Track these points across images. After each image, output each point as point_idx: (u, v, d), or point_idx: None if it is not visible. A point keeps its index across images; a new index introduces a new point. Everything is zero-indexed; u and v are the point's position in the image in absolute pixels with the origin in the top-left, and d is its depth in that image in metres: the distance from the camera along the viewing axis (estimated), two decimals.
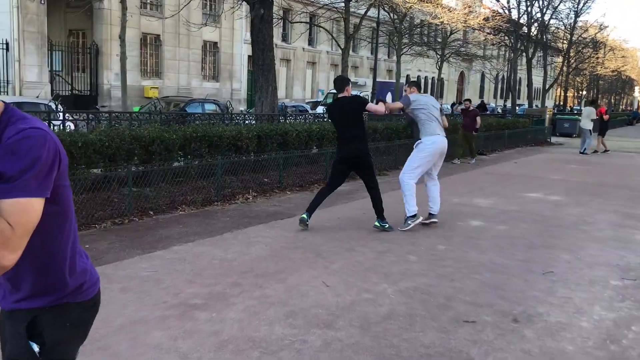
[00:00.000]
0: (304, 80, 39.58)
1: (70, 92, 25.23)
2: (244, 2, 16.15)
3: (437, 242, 6.59)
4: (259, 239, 6.28)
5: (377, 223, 7.05)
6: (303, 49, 38.63)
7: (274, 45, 36.12)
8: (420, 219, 7.10)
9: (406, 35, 26.21)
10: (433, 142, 7.18)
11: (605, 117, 20.45)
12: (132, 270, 4.99)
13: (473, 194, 9.89)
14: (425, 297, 4.69)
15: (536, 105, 44.72)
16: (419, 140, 7.28)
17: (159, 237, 6.11)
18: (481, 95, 66.51)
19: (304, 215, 6.82)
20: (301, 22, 20.86)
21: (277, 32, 35.61)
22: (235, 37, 32.50)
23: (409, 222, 7.03)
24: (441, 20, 24.17)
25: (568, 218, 8.23)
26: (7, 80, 22.32)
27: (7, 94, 21.45)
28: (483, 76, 61.56)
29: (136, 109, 19.87)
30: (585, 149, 20.19)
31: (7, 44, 22.12)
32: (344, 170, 7.12)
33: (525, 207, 8.97)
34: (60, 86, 25.51)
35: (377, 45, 23.51)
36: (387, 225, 7.00)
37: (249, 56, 34.38)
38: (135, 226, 6.54)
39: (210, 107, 17.64)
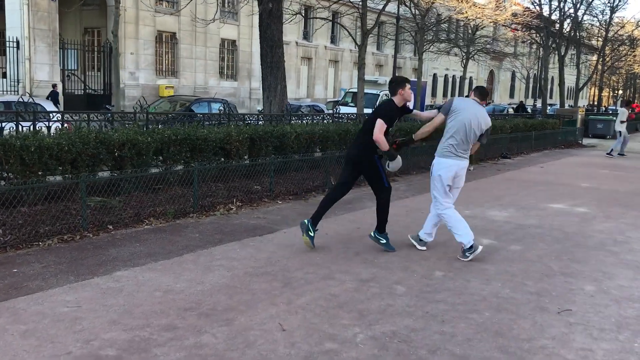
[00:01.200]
0: (326, 79, 38.67)
1: (83, 91, 24.78)
2: None
3: (434, 266, 5.59)
4: (223, 261, 5.37)
5: (372, 234, 6.12)
6: (325, 47, 37.74)
7: (295, 43, 35.64)
8: (480, 249, 5.91)
9: (429, 32, 25.02)
10: (446, 167, 5.87)
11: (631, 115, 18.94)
12: (51, 305, 4.13)
13: (488, 205, 8.82)
14: (403, 348, 3.72)
15: (570, 105, 42.99)
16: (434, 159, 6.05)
17: (105, 259, 5.25)
18: (512, 95, 64.68)
19: (308, 236, 5.89)
20: (320, 18, 19.93)
21: (298, 29, 34.80)
22: (255, 35, 31.53)
23: (467, 254, 5.89)
24: (465, 15, 22.95)
25: (595, 236, 7.12)
26: (18, 79, 21.91)
27: (17, 93, 21.01)
28: (514, 75, 59.79)
29: (151, 109, 19.09)
30: (612, 149, 18.95)
31: (17, 42, 21.71)
32: (350, 173, 6.18)
33: (547, 221, 7.88)
34: (75, 85, 25.12)
35: (397, 42, 22.41)
36: (384, 242, 6.05)
37: None
38: (85, 244, 5.69)
39: (218, 107, 16.81)
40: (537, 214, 8.35)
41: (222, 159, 8.81)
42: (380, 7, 22.37)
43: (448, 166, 5.85)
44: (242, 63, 31.58)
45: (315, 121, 14.27)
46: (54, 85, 21.70)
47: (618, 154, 18.70)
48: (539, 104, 40.25)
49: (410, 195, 9.52)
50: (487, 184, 11.21)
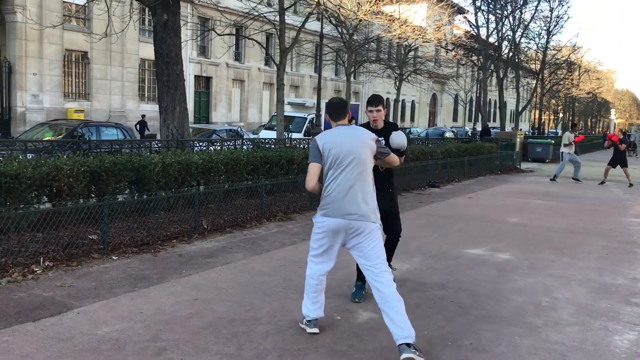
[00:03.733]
0: (260, 103, 36.92)
1: None
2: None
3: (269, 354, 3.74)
4: None
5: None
6: (259, 69, 36.06)
7: (226, 65, 33.79)
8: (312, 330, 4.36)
9: (359, 52, 23.58)
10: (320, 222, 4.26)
11: (622, 146, 17.90)
12: None
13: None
14: None
15: (512, 128, 42.46)
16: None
17: None
18: (455, 119, 64.50)
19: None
20: (230, 34, 18.24)
21: (229, 51, 33.06)
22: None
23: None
24: (394, 34, 21.62)
25: (513, 299, 5.43)
26: None
27: None
28: (457, 99, 59.57)
29: (48, 135, 16.69)
30: (555, 175, 17.90)
31: None
32: None
33: (455, 276, 6.17)
34: None
35: (321, 61, 20.83)
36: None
37: (195, 76, 31.80)
38: None
39: (110, 133, 14.73)
40: (446, 265, 6.65)
41: (46, 200, 6.82)
42: (298, 23, 20.88)
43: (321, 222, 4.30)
44: None
45: (228, 147, 12.47)
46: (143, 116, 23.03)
47: (573, 178, 17.85)
48: (479, 127, 39.46)
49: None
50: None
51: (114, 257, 6.28)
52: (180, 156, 8.73)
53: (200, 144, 12.40)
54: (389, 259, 5.61)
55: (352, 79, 43.90)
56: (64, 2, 23.97)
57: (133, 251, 6.57)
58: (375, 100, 5.15)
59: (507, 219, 10.17)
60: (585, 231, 9.26)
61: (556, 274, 6.43)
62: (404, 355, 3.76)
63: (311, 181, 4.19)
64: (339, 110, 4.40)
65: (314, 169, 4.20)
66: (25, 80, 22.88)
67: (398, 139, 5.04)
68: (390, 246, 5.53)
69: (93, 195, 7.49)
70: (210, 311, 4.72)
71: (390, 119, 29.58)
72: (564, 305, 5.29)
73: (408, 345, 3.82)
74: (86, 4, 21.78)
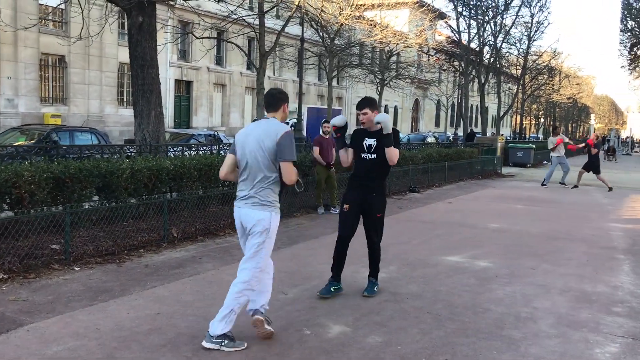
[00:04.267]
0: (243, 107, 36.58)
1: None
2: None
3: None
4: None
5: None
6: (241, 73, 35.75)
7: (207, 69, 33.43)
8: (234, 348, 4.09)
9: (340, 56, 23.39)
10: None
11: (594, 150, 17.88)
12: None
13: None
14: None
15: (493, 133, 42.57)
16: None
17: None
18: (437, 124, 64.63)
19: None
20: (210, 37, 17.94)
21: (210, 55, 32.74)
22: (160, 59, 29.22)
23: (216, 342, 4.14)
24: (376, 38, 21.46)
25: (491, 310, 5.22)
26: None
27: None
28: (439, 104, 59.69)
29: (20, 140, 16.21)
30: (544, 180, 17.94)
31: None
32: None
33: (433, 285, 5.96)
34: None
35: (302, 66, 20.60)
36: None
37: (176, 80, 31.42)
38: None
39: (84, 138, 14.36)
40: (423, 273, 6.43)
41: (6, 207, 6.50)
42: (288, 29, 20.66)
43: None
44: None
45: (204, 152, 12.20)
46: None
47: (559, 183, 17.80)
48: (460, 132, 39.51)
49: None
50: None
51: (75, 268, 5.98)
52: (150, 161, 8.43)
53: (175, 149, 12.04)
54: (372, 274, 5.62)
55: (335, 83, 44.00)
56: (40, 4, 23.49)
57: (97, 261, 6.27)
58: (360, 104, 5.34)
59: (487, 224, 10.00)
60: (566, 237, 9.12)
61: (536, 282, 6.24)
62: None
63: (221, 170, 4.37)
64: (269, 100, 4.31)
65: (228, 159, 4.35)
66: (0, 84, 22.36)
67: (378, 116, 5.28)
68: (370, 258, 5.57)
69: (59, 203, 7.18)
70: (171, 327, 4.45)
71: None
72: (543, 316, 5.10)
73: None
74: (60, 5, 21.36)
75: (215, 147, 13.96)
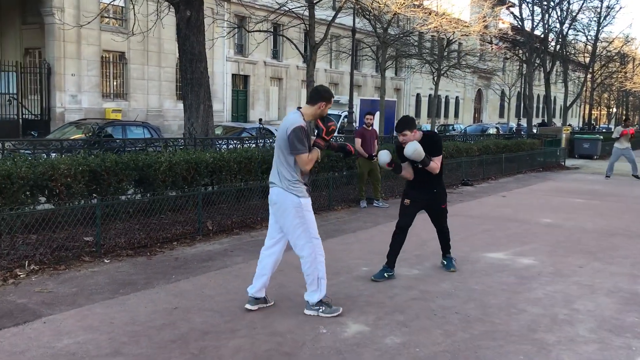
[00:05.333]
0: (299, 100, 36.60)
1: (15, 116, 22.58)
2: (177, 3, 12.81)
3: None
4: None
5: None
6: (297, 66, 35.79)
7: (264, 63, 33.63)
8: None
9: (393, 47, 22.89)
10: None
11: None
12: None
13: (402, 257, 6.54)
14: None
15: (553, 124, 40.84)
16: None
17: None
18: (501, 115, 62.72)
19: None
20: (263, 31, 17.91)
21: (267, 49, 32.96)
22: (216, 53, 29.68)
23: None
24: (429, 27, 20.87)
25: (527, 311, 4.87)
26: None
27: None
28: (503, 94, 57.93)
29: (78, 133, 16.72)
30: (607, 172, 17.09)
31: None
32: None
33: (467, 283, 5.64)
34: (15, 110, 22.89)
35: (354, 56, 20.25)
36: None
37: (233, 74, 31.76)
38: None
39: (137, 132, 14.67)
40: (460, 271, 6.11)
41: (44, 200, 6.63)
42: (340, 19, 20.41)
43: None
44: None
45: (249, 145, 12.16)
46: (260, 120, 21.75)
47: (632, 175, 16.95)
48: (524, 123, 38.11)
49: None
50: (421, 223, 8.94)
51: (105, 261, 6.03)
52: (190, 154, 8.45)
53: (221, 142, 12.06)
54: (447, 251, 6.23)
55: (393, 74, 43.35)
56: (101, 2, 24.21)
57: (128, 254, 6.30)
58: (399, 126, 5.57)
59: (539, 219, 9.50)
60: (625, 233, 8.52)
61: (582, 282, 5.81)
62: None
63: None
64: (311, 93, 4.64)
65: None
66: (64, 81, 23.23)
67: (407, 149, 5.44)
68: (440, 239, 6.20)
69: (95, 195, 7.28)
70: (185, 322, 4.37)
71: (427, 116, 28.59)
72: (583, 319, 4.71)
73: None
74: (116, 1, 21.89)
75: (262, 140, 13.93)
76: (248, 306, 4.65)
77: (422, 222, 6.54)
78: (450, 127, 39.41)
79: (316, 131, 4.63)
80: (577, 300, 5.19)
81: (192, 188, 8.19)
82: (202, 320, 4.43)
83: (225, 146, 11.92)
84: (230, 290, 5.16)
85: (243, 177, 9.16)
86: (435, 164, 5.56)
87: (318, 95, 4.55)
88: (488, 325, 4.50)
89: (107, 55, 25.21)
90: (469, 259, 6.64)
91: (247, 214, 8.30)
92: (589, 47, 40.87)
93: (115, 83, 25.78)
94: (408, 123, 5.59)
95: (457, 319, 4.62)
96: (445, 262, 6.17)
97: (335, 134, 19.98)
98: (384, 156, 5.66)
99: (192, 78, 11.67)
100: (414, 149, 5.41)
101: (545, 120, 39.22)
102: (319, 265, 4.55)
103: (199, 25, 11.74)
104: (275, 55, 34.74)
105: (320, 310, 4.53)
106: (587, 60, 41.67)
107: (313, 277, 4.53)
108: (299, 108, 4.63)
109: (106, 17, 24.73)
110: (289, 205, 4.50)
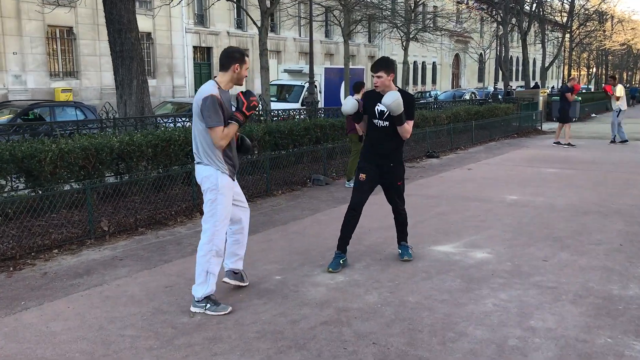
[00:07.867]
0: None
1: None
2: None
3: None
4: None
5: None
6: (294, 39, 34.12)
7: (227, 34, 31.96)
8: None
9: (361, 10, 21.44)
10: None
11: (570, 97, 15.45)
12: None
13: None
14: None
15: (538, 86, 39.69)
16: None
17: None
18: (480, 79, 61.49)
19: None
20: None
21: (229, 18, 31.36)
22: (174, 25, 28.05)
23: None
24: None
25: (467, 335, 3.71)
26: None
27: None
28: (481, 58, 56.61)
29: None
30: (614, 136, 15.98)
31: None
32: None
33: (402, 292, 4.47)
34: None
35: (312, 22, 18.71)
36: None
37: (194, 47, 30.13)
38: None
39: (69, 114, 13.26)
40: (395, 274, 4.94)
41: None
42: None
43: None
44: (161, 58, 27.90)
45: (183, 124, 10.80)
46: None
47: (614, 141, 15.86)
48: (501, 86, 36.95)
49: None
50: (368, 206, 7.74)
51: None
52: (89, 139, 7.14)
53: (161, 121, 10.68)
54: (403, 239, 5.41)
55: (367, 42, 41.73)
56: None
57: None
58: (375, 66, 4.97)
59: (504, 196, 8.36)
60: (599, 210, 7.42)
61: (544, 283, 4.68)
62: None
63: None
64: (220, 60, 4.20)
65: None
66: (5, 60, 21.58)
67: (386, 98, 4.76)
68: (396, 222, 5.40)
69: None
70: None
71: (399, 83, 27.31)
72: (540, 345, 3.57)
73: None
74: None
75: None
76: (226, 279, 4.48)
77: (367, 206, 5.37)
78: (427, 94, 38.02)
79: (236, 105, 4.13)
80: (535, 313, 4.05)
81: (95, 180, 6.93)
82: None
83: (172, 125, 10.51)
84: (85, 323, 3.94)
85: (161, 163, 7.90)
86: (406, 129, 4.94)
87: (227, 57, 4.13)
88: (414, 353, 3.35)
89: (53, 31, 23.52)
90: (413, 254, 5.47)
91: (160, 208, 7.05)
92: (566, 6, 39.61)
93: (64, 61, 24.12)
94: (386, 62, 4.96)
95: (371, 354, 3.45)
96: (400, 251, 5.38)
97: (298, 106, 18.63)
98: (351, 105, 5.02)
99: (121, 50, 10.44)
100: (394, 98, 4.71)
101: (529, 83, 38.00)
102: (212, 260, 4.10)
103: None
104: (240, 25, 33.06)
105: (207, 307, 4.08)
106: (565, 19, 40.42)
107: (203, 269, 4.09)
108: (214, 78, 4.19)
109: None
110: (206, 177, 4.10)
